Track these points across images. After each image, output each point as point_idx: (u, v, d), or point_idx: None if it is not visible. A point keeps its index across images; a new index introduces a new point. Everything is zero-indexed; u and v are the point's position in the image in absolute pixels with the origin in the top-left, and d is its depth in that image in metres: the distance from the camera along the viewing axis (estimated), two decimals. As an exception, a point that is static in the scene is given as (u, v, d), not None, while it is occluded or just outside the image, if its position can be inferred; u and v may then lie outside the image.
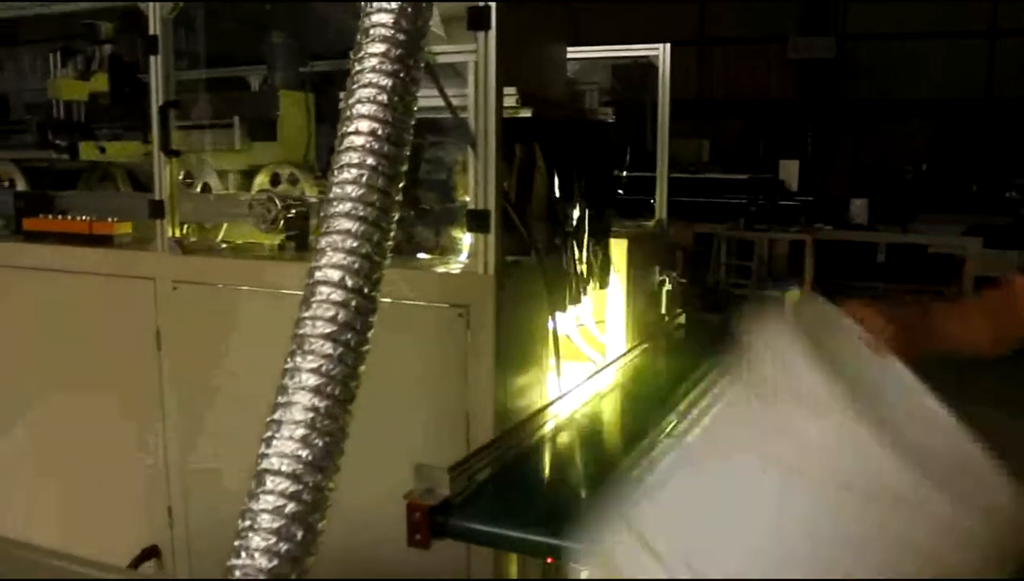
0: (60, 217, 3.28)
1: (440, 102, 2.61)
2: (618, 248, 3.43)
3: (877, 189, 9.41)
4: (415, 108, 2.04)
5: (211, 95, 3.54)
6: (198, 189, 3.32)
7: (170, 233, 2.95)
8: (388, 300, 2.48)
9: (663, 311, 3.84)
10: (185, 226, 3.14)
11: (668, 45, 3.91)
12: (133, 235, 3.24)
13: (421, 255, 2.88)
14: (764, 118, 11.53)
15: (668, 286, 3.84)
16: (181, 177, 3.22)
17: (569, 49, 3.58)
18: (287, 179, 3.25)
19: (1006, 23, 10.99)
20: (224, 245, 3.11)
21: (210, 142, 3.25)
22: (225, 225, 3.22)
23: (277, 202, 2.94)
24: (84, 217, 3.20)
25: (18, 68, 4.61)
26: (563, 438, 2.50)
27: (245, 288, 2.86)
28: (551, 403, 2.57)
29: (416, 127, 3.10)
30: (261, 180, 3.26)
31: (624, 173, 4.79)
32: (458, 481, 2.01)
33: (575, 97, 3.56)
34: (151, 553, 3.13)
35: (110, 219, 3.12)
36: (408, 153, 2.07)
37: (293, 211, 2.94)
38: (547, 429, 2.48)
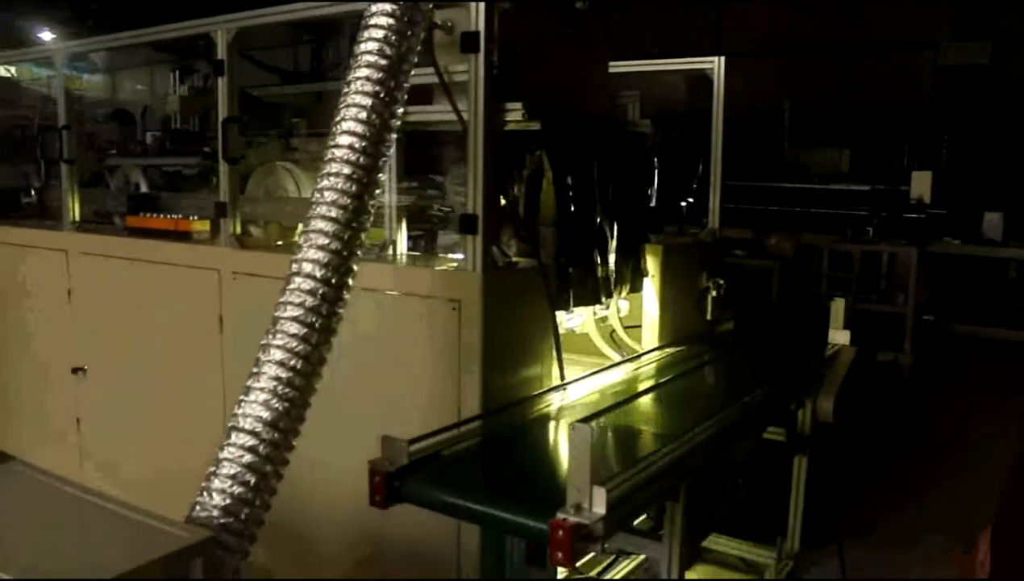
0: (158, 216, 3.78)
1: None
2: (652, 255, 3.58)
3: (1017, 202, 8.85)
4: (396, 124, 2.35)
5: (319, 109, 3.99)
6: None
7: (231, 230, 3.36)
8: (395, 293, 2.80)
9: (708, 317, 3.94)
10: (267, 225, 3.56)
11: (723, 58, 4.00)
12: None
13: (452, 255, 3.16)
14: (909, 127, 11.06)
15: (714, 293, 3.95)
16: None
17: (614, 64, 3.75)
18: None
19: None
20: (280, 243, 3.49)
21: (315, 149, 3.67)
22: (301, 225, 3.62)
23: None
24: (172, 216, 3.68)
25: (146, 84, 5.26)
26: (543, 425, 2.68)
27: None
28: (539, 394, 2.77)
29: (440, 140, 3.39)
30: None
31: (694, 183, 4.92)
32: (421, 454, 2.26)
33: (614, 110, 3.75)
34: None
35: (191, 218, 3.58)
36: (385, 162, 2.38)
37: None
38: (530, 415, 2.68)
